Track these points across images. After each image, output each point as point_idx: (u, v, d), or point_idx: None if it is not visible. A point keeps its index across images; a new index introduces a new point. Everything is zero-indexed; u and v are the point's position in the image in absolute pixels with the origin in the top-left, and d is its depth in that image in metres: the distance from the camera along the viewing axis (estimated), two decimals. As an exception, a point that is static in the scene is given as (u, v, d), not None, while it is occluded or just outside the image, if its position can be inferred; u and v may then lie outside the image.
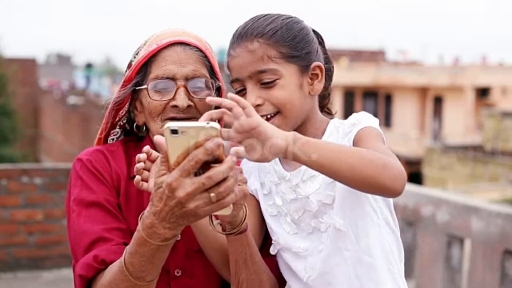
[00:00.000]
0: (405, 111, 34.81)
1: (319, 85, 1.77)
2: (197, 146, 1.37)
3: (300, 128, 1.76)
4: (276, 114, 1.71)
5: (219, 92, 1.91)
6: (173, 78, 1.80)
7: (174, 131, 1.36)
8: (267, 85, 1.69)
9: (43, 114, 45.77)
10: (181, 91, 1.80)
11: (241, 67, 1.71)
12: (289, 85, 1.71)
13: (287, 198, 1.77)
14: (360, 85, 36.48)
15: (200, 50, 1.84)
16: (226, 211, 1.45)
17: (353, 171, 1.50)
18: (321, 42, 1.84)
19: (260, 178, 1.84)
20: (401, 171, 1.54)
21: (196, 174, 1.39)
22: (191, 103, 1.80)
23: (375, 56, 46.83)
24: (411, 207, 6.16)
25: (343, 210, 1.71)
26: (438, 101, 33.99)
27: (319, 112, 1.83)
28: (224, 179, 1.39)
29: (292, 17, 1.77)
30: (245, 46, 1.70)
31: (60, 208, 6.15)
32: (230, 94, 1.50)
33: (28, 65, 42.61)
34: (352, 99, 37.88)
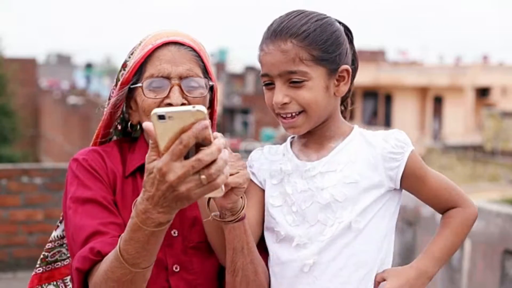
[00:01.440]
0: (405, 111, 34.82)
1: (344, 87, 1.82)
2: (184, 129, 1.38)
3: (322, 125, 1.82)
4: (301, 112, 1.77)
5: (212, 91, 1.93)
6: (167, 77, 1.83)
7: (161, 117, 1.38)
8: (296, 85, 1.75)
9: (43, 114, 45.79)
10: (175, 89, 1.82)
11: (272, 64, 1.76)
12: (317, 86, 1.76)
13: (298, 188, 1.81)
14: (360, 85, 36.45)
15: (194, 50, 1.87)
16: (218, 193, 1.46)
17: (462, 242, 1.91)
18: (351, 40, 1.88)
19: (271, 169, 1.87)
20: (476, 211, 1.91)
21: (186, 158, 1.40)
22: (185, 102, 1.82)
23: (375, 56, 46.79)
24: (411, 207, 6.16)
25: (363, 214, 1.77)
26: (438, 101, 34.01)
27: (340, 112, 1.89)
28: (214, 161, 1.40)
29: (326, 17, 1.81)
30: (278, 45, 1.74)
31: (60, 208, 6.12)
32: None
33: (28, 65, 42.61)
34: (352, 99, 37.80)
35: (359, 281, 1.77)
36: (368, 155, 1.80)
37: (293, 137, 1.90)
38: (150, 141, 1.44)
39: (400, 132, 1.83)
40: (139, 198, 1.50)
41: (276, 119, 1.82)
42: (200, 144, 1.40)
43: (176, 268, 1.82)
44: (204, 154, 1.39)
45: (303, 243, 1.78)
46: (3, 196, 6.14)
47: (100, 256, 1.67)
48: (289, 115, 1.77)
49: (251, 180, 1.86)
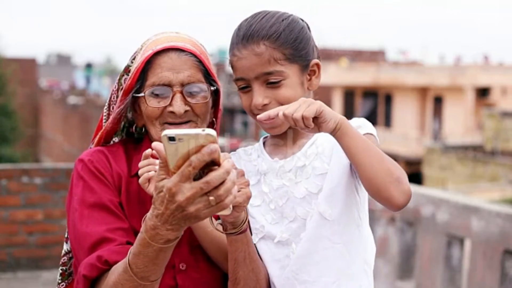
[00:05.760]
0: (405, 111, 34.81)
1: (316, 81, 1.88)
2: (194, 151, 1.41)
3: None
4: None
5: (216, 94, 1.95)
6: (169, 85, 1.85)
7: (171, 138, 1.41)
8: (273, 85, 1.79)
9: (43, 114, 45.84)
10: (177, 97, 1.85)
11: (248, 68, 1.79)
12: (293, 84, 1.81)
13: (274, 185, 1.84)
14: (360, 85, 36.47)
15: (195, 56, 1.88)
16: (226, 211, 1.50)
17: (372, 170, 1.64)
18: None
19: (247, 170, 1.89)
20: (410, 189, 1.66)
21: (195, 178, 1.43)
22: (188, 108, 1.86)
23: (375, 56, 46.84)
24: (411, 207, 6.17)
25: (331, 201, 1.78)
26: (438, 101, 34.00)
27: None
28: (222, 182, 1.43)
29: (291, 15, 1.85)
30: (252, 49, 1.78)
31: (60, 208, 6.15)
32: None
33: (28, 65, 42.70)
34: (352, 99, 37.88)
35: (337, 274, 1.78)
36: (333, 143, 1.78)
37: (265, 137, 1.94)
38: (159, 161, 1.47)
39: (361, 118, 1.86)
40: (148, 214, 1.52)
41: (255, 120, 1.84)
42: (209, 164, 1.43)
43: (182, 266, 1.85)
44: (213, 177, 1.42)
45: (284, 239, 1.82)
46: (3, 196, 6.14)
47: (107, 265, 1.69)
48: None
49: None
